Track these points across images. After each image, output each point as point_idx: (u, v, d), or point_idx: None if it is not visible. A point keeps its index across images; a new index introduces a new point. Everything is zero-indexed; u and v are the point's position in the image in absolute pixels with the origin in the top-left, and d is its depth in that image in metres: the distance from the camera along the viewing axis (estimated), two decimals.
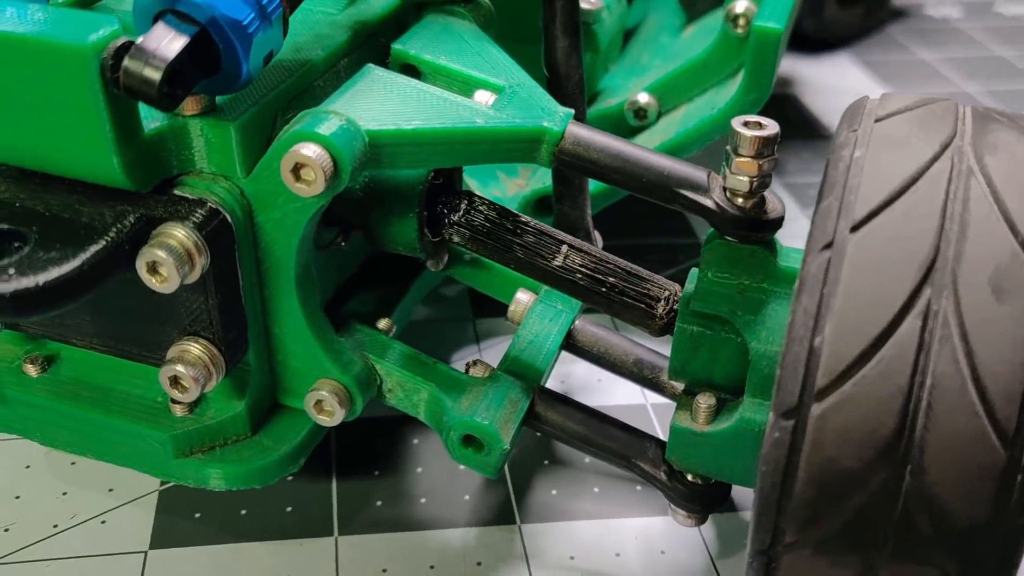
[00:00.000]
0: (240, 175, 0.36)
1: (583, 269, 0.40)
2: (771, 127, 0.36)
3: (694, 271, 0.40)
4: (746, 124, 0.36)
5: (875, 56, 1.02)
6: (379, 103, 0.36)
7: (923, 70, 0.99)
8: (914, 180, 0.32)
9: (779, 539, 0.33)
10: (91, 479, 0.47)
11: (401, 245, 0.41)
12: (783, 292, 0.38)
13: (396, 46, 0.41)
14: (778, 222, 0.37)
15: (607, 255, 0.41)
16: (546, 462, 0.49)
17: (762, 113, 0.52)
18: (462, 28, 0.43)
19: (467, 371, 0.42)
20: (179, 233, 0.34)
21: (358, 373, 0.40)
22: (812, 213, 0.34)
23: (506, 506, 0.46)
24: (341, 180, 0.34)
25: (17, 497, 0.46)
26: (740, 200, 0.37)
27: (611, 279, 0.40)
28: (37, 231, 0.33)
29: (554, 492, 0.47)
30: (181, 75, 0.32)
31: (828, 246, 0.32)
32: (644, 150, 0.38)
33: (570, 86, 0.46)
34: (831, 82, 0.95)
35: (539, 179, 0.56)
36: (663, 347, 0.47)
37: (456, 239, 0.41)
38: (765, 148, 0.36)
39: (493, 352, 0.56)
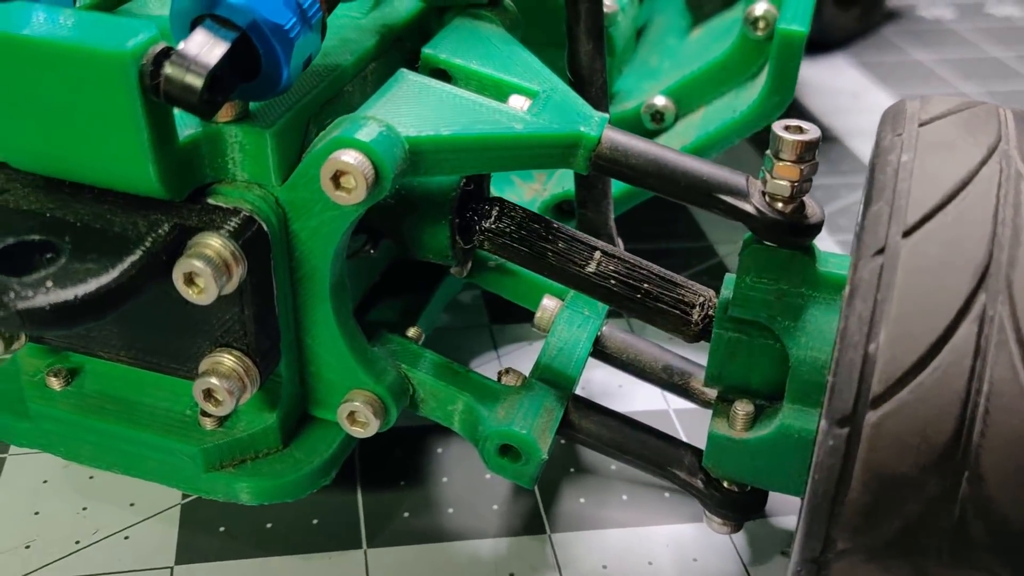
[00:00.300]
0: (275, 183, 0.35)
1: (617, 275, 0.40)
2: (812, 131, 0.36)
3: (729, 276, 0.40)
4: (787, 128, 0.36)
5: (871, 57, 1.02)
6: (416, 109, 0.36)
7: (919, 71, 0.99)
8: (964, 184, 0.32)
9: (830, 547, 0.32)
10: (111, 494, 0.46)
11: (433, 253, 0.41)
12: (823, 298, 0.37)
13: (426, 50, 0.41)
14: (818, 227, 0.37)
15: (640, 260, 0.41)
16: (572, 470, 0.49)
17: None
18: (490, 32, 0.43)
19: (499, 379, 0.41)
20: (215, 243, 0.33)
21: (392, 383, 0.39)
22: (860, 217, 0.33)
23: (535, 515, 0.46)
24: (382, 188, 0.33)
25: (36, 513, 0.45)
26: (780, 205, 0.36)
27: (646, 285, 0.40)
28: (70, 242, 0.32)
29: (582, 500, 0.47)
30: (220, 81, 0.31)
31: (880, 251, 0.31)
32: (681, 154, 0.38)
33: (594, 90, 0.46)
34: (829, 83, 0.96)
35: (557, 183, 0.55)
36: (681, 350, 0.47)
37: (488, 246, 0.40)
38: (806, 152, 0.36)
39: (512, 359, 0.56)
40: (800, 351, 0.37)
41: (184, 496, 0.46)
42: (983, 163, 0.33)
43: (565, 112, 0.38)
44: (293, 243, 0.36)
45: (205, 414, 0.38)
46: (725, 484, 0.41)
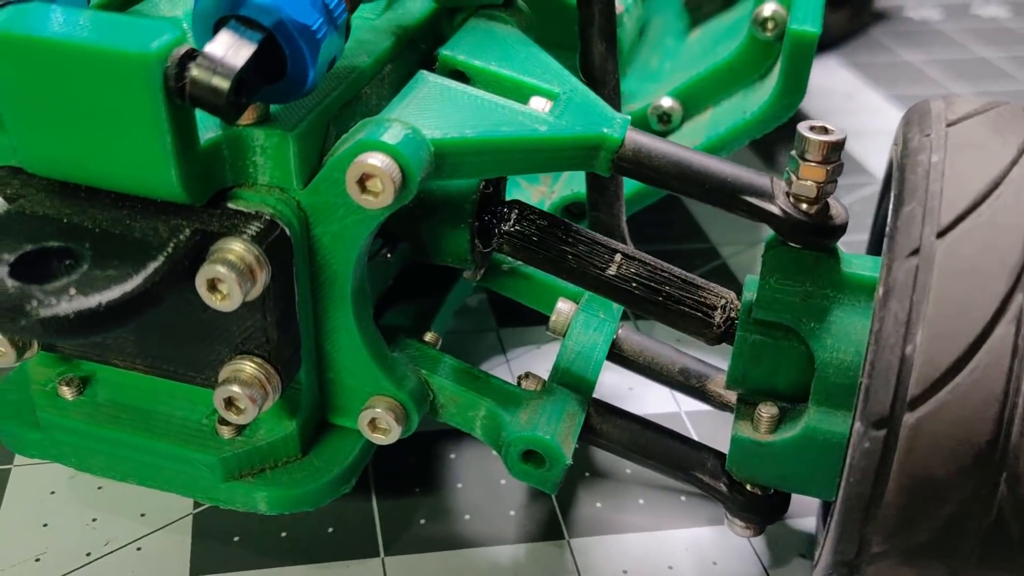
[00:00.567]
0: (296, 186, 0.34)
1: (638, 278, 0.39)
2: (838, 132, 0.36)
3: (751, 278, 0.40)
4: (812, 128, 0.36)
5: (862, 58, 1.03)
6: (439, 111, 0.35)
7: (910, 71, 1.00)
8: (996, 184, 0.32)
9: (865, 549, 0.32)
10: (121, 504, 0.45)
11: (452, 257, 0.40)
12: (848, 299, 0.37)
13: (444, 52, 0.40)
14: (843, 228, 0.36)
15: (660, 262, 0.40)
16: (587, 474, 0.48)
17: None
18: (507, 33, 0.42)
19: (519, 384, 0.41)
20: (239, 247, 0.32)
21: (413, 388, 0.39)
22: (891, 218, 0.33)
23: (552, 520, 0.45)
24: (409, 191, 0.33)
25: (45, 525, 0.44)
26: (805, 206, 0.36)
27: (667, 288, 0.39)
28: (90, 248, 0.31)
29: (599, 505, 0.46)
30: (245, 83, 0.31)
31: (915, 252, 0.31)
32: (704, 155, 0.37)
33: (607, 91, 0.45)
34: (822, 84, 0.96)
35: (565, 185, 0.55)
36: (696, 352, 0.47)
37: (507, 249, 0.40)
38: (832, 153, 0.35)
39: (521, 362, 0.55)
40: (826, 353, 0.37)
41: (196, 506, 0.45)
42: (1014, 163, 0.33)
43: (587, 114, 0.37)
44: (314, 248, 0.35)
45: (224, 423, 0.38)
46: (748, 487, 0.40)
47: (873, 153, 0.82)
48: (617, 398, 0.54)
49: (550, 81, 0.39)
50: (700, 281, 0.40)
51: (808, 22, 0.48)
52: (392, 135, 0.33)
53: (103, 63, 0.30)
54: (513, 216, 0.40)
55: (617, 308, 0.46)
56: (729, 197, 0.37)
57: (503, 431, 0.39)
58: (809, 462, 0.38)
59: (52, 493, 0.45)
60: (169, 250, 0.32)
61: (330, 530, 0.44)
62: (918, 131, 0.35)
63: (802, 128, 0.36)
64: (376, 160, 0.32)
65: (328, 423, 0.40)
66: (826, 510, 0.43)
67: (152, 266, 0.31)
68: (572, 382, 0.42)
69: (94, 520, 0.44)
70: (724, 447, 0.42)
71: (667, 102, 0.56)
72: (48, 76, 0.31)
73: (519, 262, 0.47)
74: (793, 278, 0.37)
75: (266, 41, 0.31)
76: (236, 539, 0.43)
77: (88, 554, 0.42)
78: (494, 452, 0.49)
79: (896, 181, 0.34)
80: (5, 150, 0.34)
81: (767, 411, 0.38)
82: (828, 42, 1.03)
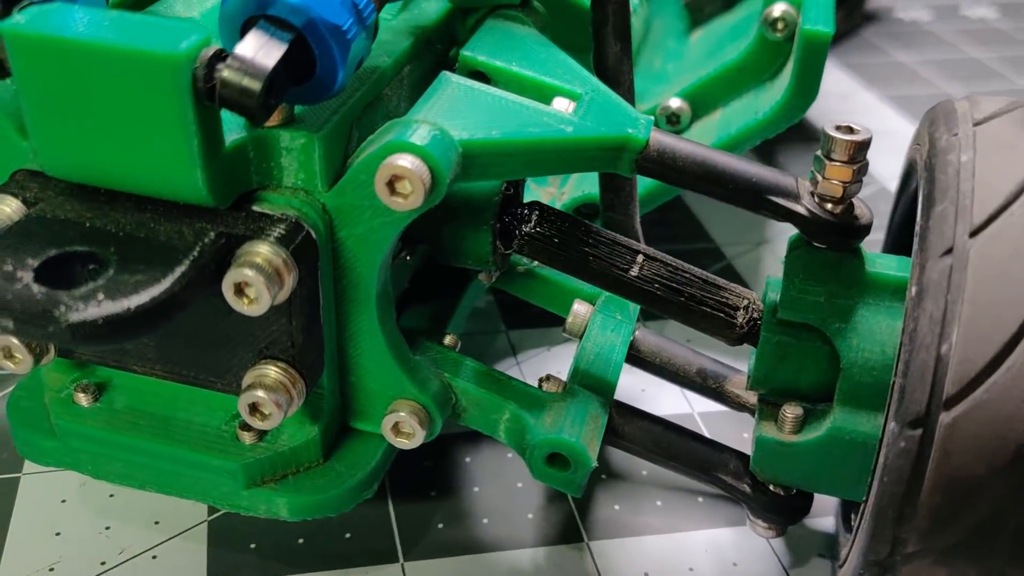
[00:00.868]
0: (322, 188, 0.34)
1: (660, 279, 0.39)
2: (864, 132, 0.36)
3: (772, 279, 0.39)
4: (838, 128, 0.36)
5: (855, 59, 1.03)
6: (465, 112, 0.35)
7: (904, 72, 1.00)
8: None
9: (898, 549, 0.32)
10: (133, 512, 0.44)
11: (473, 259, 0.40)
12: (873, 299, 0.37)
13: (465, 52, 0.40)
14: (868, 227, 0.36)
15: (682, 263, 0.40)
16: (603, 476, 0.48)
17: None
18: (525, 33, 0.42)
19: (540, 386, 0.41)
20: (265, 250, 0.32)
21: (436, 392, 0.38)
22: (921, 218, 0.33)
23: (570, 523, 0.45)
24: (438, 193, 0.32)
25: (57, 534, 0.43)
26: (830, 205, 0.36)
27: (690, 288, 0.39)
28: (115, 252, 0.31)
29: (616, 507, 0.46)
30: (274, 84, 0.30)
31: (948, 252, 0.31)
32: (728, 156, 0.37)
33: (622, 92, 0.45)
34: None
35: (575, 187, 0.55)
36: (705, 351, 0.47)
37: (528, 251, 0.40)
38: (858, 153, 0.35)
39: (532, 364, 0.55)
40: (852, 353, 0.37)
41: (210, 512, 0.44)
42: None
43: (611, 115, 0.37)
44: (339, 250, 0.35)
45: (245, 428, 0.37)
46: (771, 487, 0.40)
47: (872, 154, 0.82)
48: (630, 399, 0.53)
49: (571, 82, 0.39)
50: (721, 282, 0.40)
51: (821, 22, 0.48)
52: (421, 136, 0.32)
53: (131, 64, 0.29)
54: (534, 217, 0.40)
55: (634, 309, 0.46)
56: (754, 197, 0.37)
57: (527, 434, 0.38)
58: (834, 462, 0.38)
59: (63, 501, 0.45)
60: (195, 254, 0.31)
61: (347, 536, 0.44)
62: (945, 130, 0.35)
63: (828, 128, 0.36)
64: (406, 161, 0.32)
65: (348, 428, 0.40)
66: (846, 510, 0.43)
67: (179, 270, 0.30)
68: (592, 384, 0.42)
69: (107, 528, 0.43)
70: (737, 448, 0.42)
71: (676, 103, 0.56)
72: (73, 77, 0.30)
73: (534, 263, 0.47)
74: (818, 278, 0.37)
75: (295, 41, 0.30)
76: (253, 546, 0.43)
77: (103, 563, 0.42)
78: (509, 455, 0.48)
79: (925, 181, 0.34)
80: (21, 153, 0.34)
81: (792, 411, 0.38)
82: None
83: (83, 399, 0.38)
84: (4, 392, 0.51)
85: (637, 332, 0.46)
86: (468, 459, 0.48)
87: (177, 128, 0.30)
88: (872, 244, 0.38)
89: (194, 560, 0.42)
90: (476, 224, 0.39)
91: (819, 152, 0.36)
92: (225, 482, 0.37)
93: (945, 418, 0.30)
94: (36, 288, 0.29)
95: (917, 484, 0.31)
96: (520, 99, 0.36)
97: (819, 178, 0.36)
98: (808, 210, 0.36)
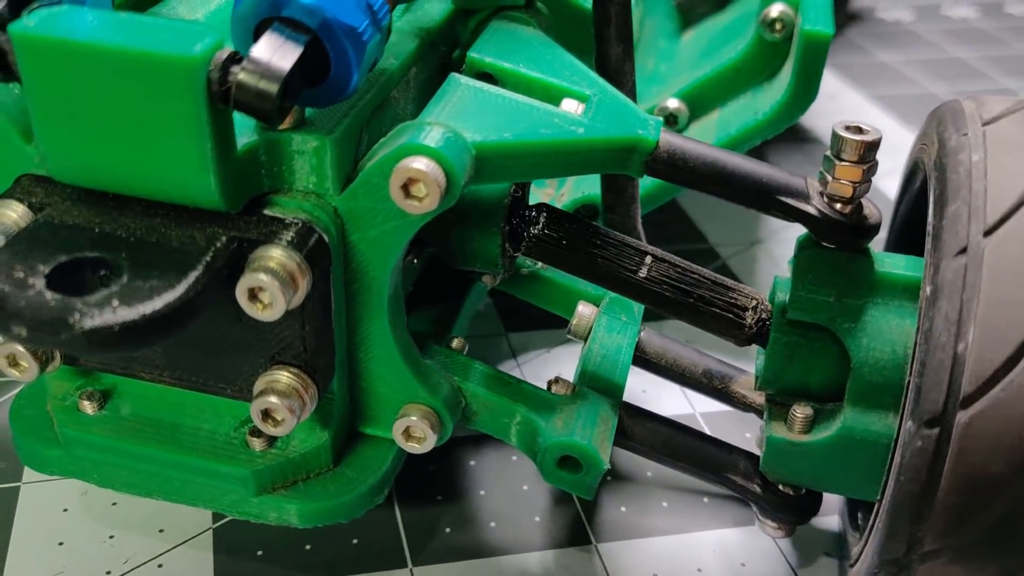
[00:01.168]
0: (333, 192, 0.34)
1: (669, 280, 0.39)
2: (873, 132, 0.36)
3: (780, 279, 0.40)
4: (848, 128, 0.36)
5: (840, 59, 1.04)
6: (476, 114, 0.35)
7: (888, 72, 1.01)
8: None
9: (915, 548, 0.32)
10: (137, 520, 0.43)
11: (482, 262, 0.40)
12: (883, 298, 0.37)
13: (472, 54, 0.40)
14: (877, 227, 0.37)
15: (689, 264, 0.40)
16: (609, 478, 0.48)
17: None
18: (531, 35, 0.42)
19: (549, 389, 0.41)
20: (279, 255, 0.31)
21: (447, 396, 0.38)
22: (933, 217, 0.33)
23: (578, 525, 0.45)
24: (452, 195, 0.32)
25: (60, 543, 0.42)
26: (840, 206, 0.36)
27: (698, 289, 0.39)
28: (127, 258, 0.30)
29: (623, 509, 0.46)
30: (289, 87, 0.30)
31: (962, 251, 0.31)
32: (737, 156, 0.37)
33: (624, 93, 0.45)
34: None
35: (574, 188, 0.55)
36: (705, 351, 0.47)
37: (536, 253, 0.40)
38: (868, 153, 0.36)
39: (533, 366, 0.55)
40: (862, 352, 0.37)
41: (215, 519, 0.44)
42: None
43: (620, 116, 0.37)
44: (350, 254, 0.35)
45: (255, 434, 0.37)
46: (780, 487, 0.40)
47: None
48: (631, 400, 0.53)
49: (579, 83, 0.39)
50: (729, 282, 0.40)
51: (821, 23, 0.48)
52: (435, 138, 0.32)
53: (144, 67, 0.29)
54: (542, 219, 0.39)
55: (639, 310, 0.46)
56: (764, 198, 0.37)
57: (539, 437, 0.38)
58: (845, 461, 0.38)
59: (65, 510, 0.44)
60: (208, 259, 0.31)
61: (355, 542, 0.43)
62: (954, 130, 0.35)
63: (838, 128, 0.36)
64: (420, 164, 0.31)
65: (357, 433, 0.39)
66: (852, 508, 0.43)
67: (193, 275, 0.30)
68: (600, 386, 0.41)
69: (111, 537, 0.43)
70: (742, 448, 0.42)
71: (673, 103, 0.56)
72: (84, 80, 0.30)
73: (537, 265, 0.47)
74: (827, 278, 0.37)
75: (310, 43, 0.30)
76: (260, 553, 0.42)
77: (108, 572, 0.41)
78: (513, 457, 0.48)
79: (936, 181, 0.35)
80: (25, 158, 0.33)
81: (802, 411, 0.38)
82: None
83: (88, 407, 0.38)
84: (2, 399, 0.50)
85: (642, 333, 0.46)
86: (473, 462, 0.48)
87: (191, 131, 0.30)
88: (872, 243, 0.38)
89: (201, 568, 0.42)
90: (486, 226, 0.39)
91: (828, 152, 0.36)
92: (235, 489, 0.37)
93: (962, 417, 0.30)
94: (49, 295, 0.28)
95: (934, 483, 0.31)
96: (530, 101, 0.36)
97: (828, 178, 0.36)
98: (818, 210, 0.36)
